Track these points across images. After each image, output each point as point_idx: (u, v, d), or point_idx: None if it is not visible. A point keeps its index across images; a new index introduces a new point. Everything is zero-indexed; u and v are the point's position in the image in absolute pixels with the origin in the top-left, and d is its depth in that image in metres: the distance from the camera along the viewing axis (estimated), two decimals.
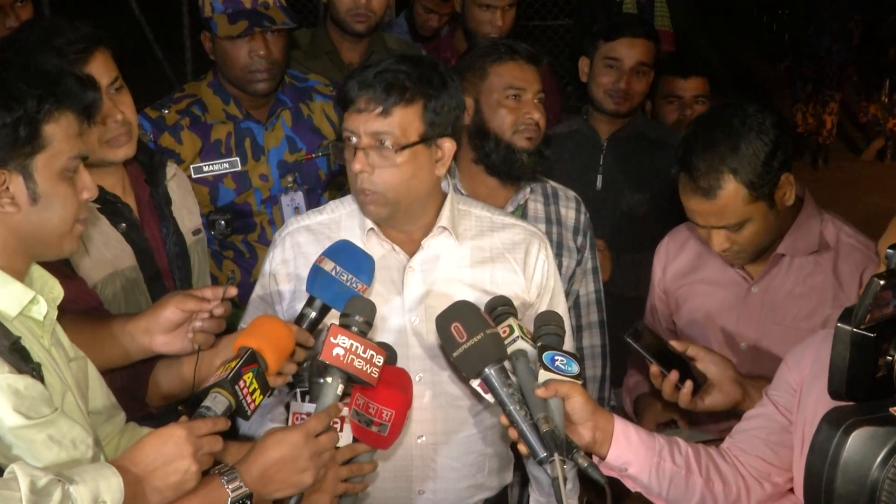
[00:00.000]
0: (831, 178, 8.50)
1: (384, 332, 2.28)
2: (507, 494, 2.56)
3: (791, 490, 2.12)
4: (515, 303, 2.23)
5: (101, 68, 2.38)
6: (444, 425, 2.34)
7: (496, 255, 2.37)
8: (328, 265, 2.06)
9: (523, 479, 2.73)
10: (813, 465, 1.42)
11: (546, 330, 2.12)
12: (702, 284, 2.70)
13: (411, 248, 2.33)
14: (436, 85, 2.22)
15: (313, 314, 2.05)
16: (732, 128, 2.39)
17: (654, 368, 2.38)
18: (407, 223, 2.32)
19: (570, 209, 2.97)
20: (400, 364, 2.20)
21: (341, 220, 2.38)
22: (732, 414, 2.38)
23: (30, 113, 1.71)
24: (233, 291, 2.11)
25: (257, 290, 2.42)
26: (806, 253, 2.53)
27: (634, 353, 2.44)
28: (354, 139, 2.19)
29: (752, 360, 2.56)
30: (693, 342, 2.47)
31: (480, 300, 2.22)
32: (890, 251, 1.61)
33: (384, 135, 2.17)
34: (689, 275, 2.74)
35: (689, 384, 2.34)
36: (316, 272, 2.07)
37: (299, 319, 2.06)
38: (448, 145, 2.26)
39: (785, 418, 2.10)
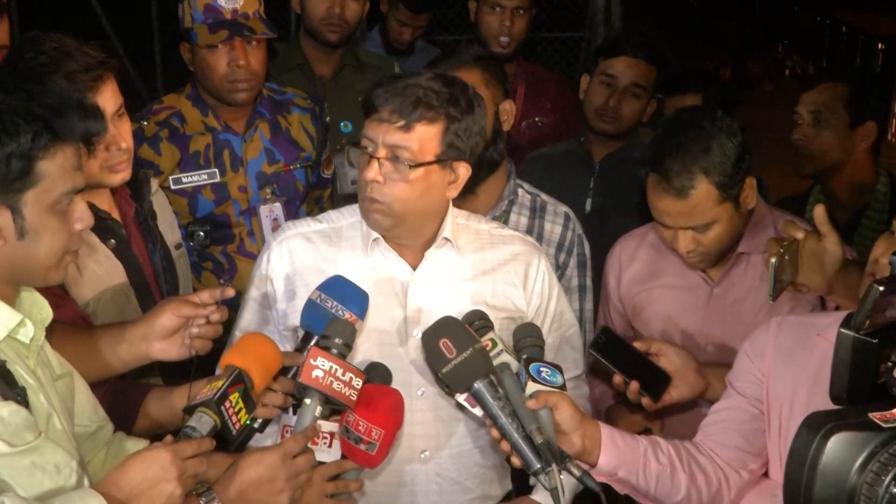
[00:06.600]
0: None
1: (386, 345, 2.25)
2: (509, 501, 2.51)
3: (765, 474, 2.17)
4: (515, 316, 2.21)
5: (109, 95, 2.36)
6: (447, 439, 2.32)
7: (497, 267, 2.35)
8: (319, 298, 2.06)
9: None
10: (792, 470, 1.40)
11: (528, 342, 2.12)
12: (661, 290, 2.74)
13: (413, 261, 2.30)
14: (462, 107, 2.19)
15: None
16: (703, 129, 2.46)
17: (618, 378, 2.41)
18: (408, 237, 2.29)
19: (556, 224, 2.92)
20: (402, 378, 2.18)
21: (342, 230, 2.34)
22: (700, 415, 2.40)
23: (22, 149, 1.65)
24: (230, 292, 2.09)
25: (252, 293, 2.37)
26: (763, 249, 2.57)
27: (599, 364, 2.46)
28: (371, 148, 2.17)
29: (718, 360, 2.58)
30: (654, 339, 2.51)
31: None
32: (894, 257, 1.65)
33: (401, 149, 2.14)
34: (647, 281, 2.77)
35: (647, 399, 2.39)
36: (307, 306, 2.07)
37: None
38: (463, 170, 2.23)
39: (755, 408, 2.14)
